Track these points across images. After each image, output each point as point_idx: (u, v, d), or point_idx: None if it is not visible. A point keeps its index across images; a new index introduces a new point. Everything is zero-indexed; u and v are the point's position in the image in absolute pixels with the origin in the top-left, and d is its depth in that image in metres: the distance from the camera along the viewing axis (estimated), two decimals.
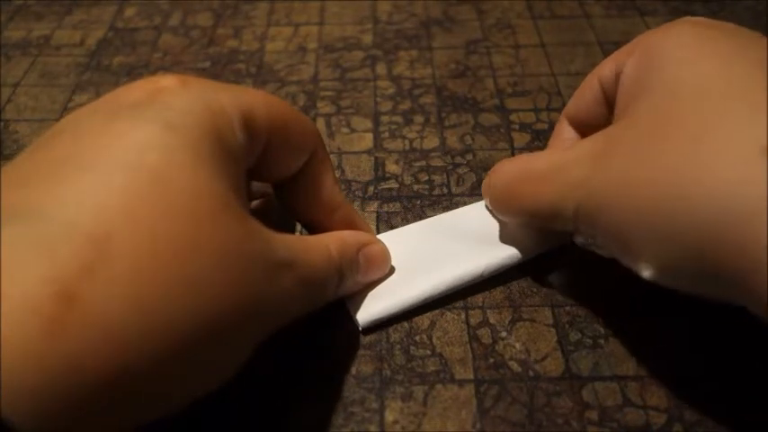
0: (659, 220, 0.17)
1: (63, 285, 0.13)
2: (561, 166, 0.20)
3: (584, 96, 0.24)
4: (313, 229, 0.24)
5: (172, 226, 0.15)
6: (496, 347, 0.22)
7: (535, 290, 0.24)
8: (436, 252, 0.25)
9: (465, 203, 0.27)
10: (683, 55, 0.19)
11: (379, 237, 0.25)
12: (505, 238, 0.25)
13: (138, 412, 0.15)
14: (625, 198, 0.18)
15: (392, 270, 0.24)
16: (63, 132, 0.17)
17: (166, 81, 0.18)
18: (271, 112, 0.19)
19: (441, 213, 0.26)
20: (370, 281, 0.23)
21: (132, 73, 0.36)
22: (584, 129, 0.25)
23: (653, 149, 0.17)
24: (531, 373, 0.21)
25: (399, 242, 0.25)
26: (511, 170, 0.22)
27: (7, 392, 0.12)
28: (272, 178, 0.22)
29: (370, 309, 0.23)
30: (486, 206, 0.26)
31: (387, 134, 0.31)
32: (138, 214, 0.15)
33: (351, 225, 0.23)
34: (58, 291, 0.13)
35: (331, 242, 0.21)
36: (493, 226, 0.25)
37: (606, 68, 0.22)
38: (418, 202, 0.28)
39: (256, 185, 0.24)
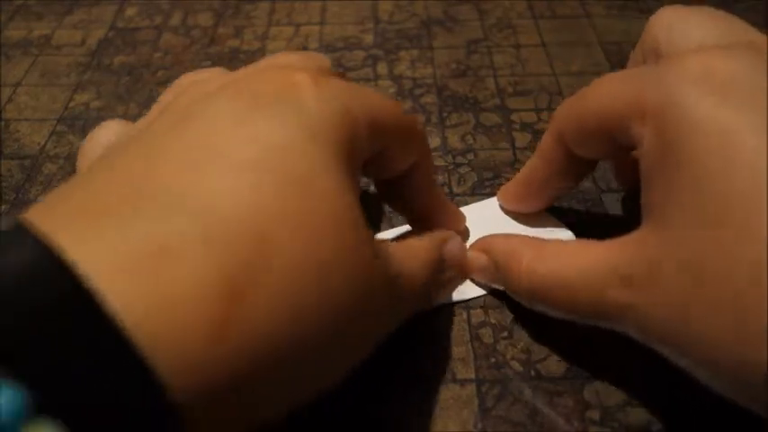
0: (720, 367, 0.16)
1: (231, 284, 0.13)
2: (594, 281, 0.18)
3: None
4: (411, 223, 0.25)
5: (321, 235, 0.15)
6: (498, 347, 0.22)
7: None
8: None
9: (466, 203, 0.27)
10: (706, 127, 0.16)
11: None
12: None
13: (272, 411, 0.15)
14: (678, 338, 0.16)
15: None
16: (192, 118, 0.16)
17: (299, 77, 0.17)
18: (392, 119, 0.19)
19: None
20: (465, 275, 0.23)
21: (133, 72, 0.36)
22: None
23: (701, 291, 0.15)
24: (532, 373, 0.21)
25: None
26: (535, 268, 0.20)
27: (178, 387, 0.12)
28: (378, 177, 0.22)
29: None
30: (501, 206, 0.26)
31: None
32: (291, 219, 0.14)
33: (445, 224, 0.24)
34: (227, 290, 0.13)
35: (421, 248, 0.21)
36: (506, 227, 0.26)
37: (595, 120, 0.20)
38: None
39: None
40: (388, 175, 0.22)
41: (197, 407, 0.12)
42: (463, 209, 0.26)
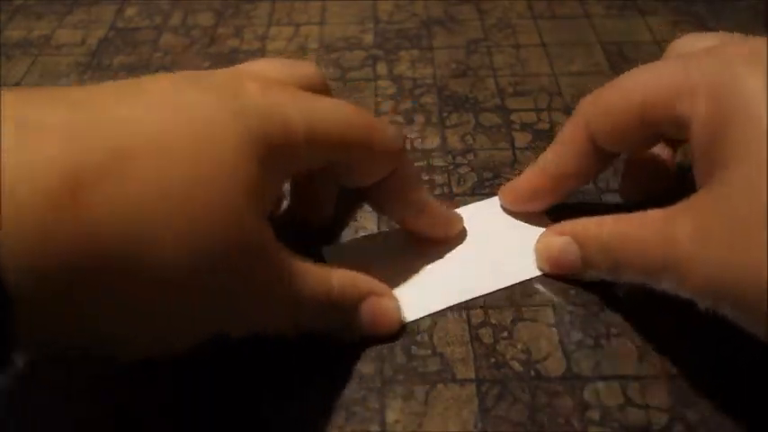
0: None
1: (76, 178, 0.14)
2: (664, 235, 0.19)
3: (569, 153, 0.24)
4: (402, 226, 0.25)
5: (199, 173, 0.16)
6: (498, 347, 0.22)
7: (536, 289, 0.24)
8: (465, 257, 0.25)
9: (466, 203, 0.27)
10: (759, 97, 0.18)
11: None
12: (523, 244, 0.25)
13: (96, 328, 0.15)
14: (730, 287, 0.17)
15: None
16: (141, 80, 0.18)
17: (250, 84, 0.18)
18: (351, 136, 0.20)
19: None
20: (374, 334, 0.22)
21: (133, 73, 0.36)
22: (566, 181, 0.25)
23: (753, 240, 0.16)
24: (532, 373, 0.21)
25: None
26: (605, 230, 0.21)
27: (6, 252, 0.13)
28: (354, 185, 0.22)
29: None
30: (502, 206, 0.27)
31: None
32: (167, 151, 0.15)
33: (434, 228, 0.24)
34: (70, 181, 0.14)
35: (338, 278, 0.21)
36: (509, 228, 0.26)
37: (627, 113, 0.21)
38: None
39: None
40: (357, 185, 0.22)
41: (24, 285, 0.13)
42: (461, 209, 0.27)
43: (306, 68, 0.22)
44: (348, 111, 0.21)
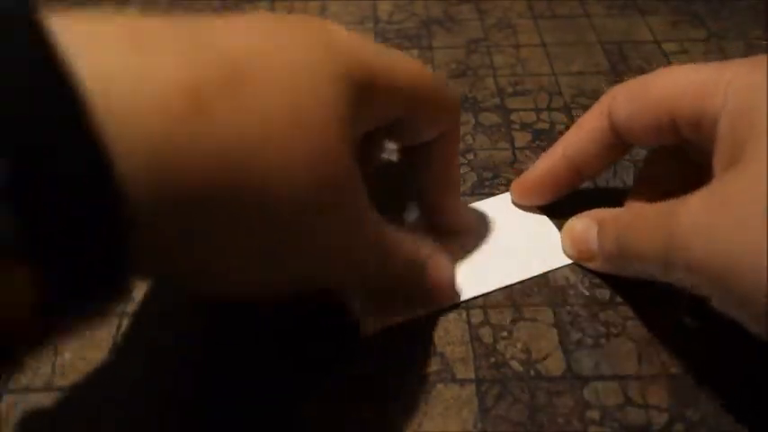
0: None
1: (199, 93, 0.14)
2: (666, 220, 0.19)
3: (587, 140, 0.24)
4: (425, 203, 0.25)
5: (303, 100, 0.16)
6: (498, 347, 0.22)
7: (536, 289, 0.24)
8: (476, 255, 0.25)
9: (466, 202, 0.27)
10: None
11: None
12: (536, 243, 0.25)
13: (206, 256, 0.15)
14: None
15: None
16: (233, 15, 0.18)
17: (337, 28, 0.18)
18: (420, 88, 0.20)
19: None
20: (431, 303, 0.23)
21: None
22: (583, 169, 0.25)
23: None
24: (532, 373, 0.21)
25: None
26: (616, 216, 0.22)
27: (129, 170, 0.12)
28: (403, 141, 0.23)
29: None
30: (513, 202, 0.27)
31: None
32: (276, 77, 0.16)
33: (453, 213, 0.25)
34: (194, 97, 0.14)
35: (413, 243, 0.21)
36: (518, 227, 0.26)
37: (652, 113, 0.22)
38: None
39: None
40: (413, 141, 0.23)
41: (139, 198, 0.13)
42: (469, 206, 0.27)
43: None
44: (418, 65, 0.21)
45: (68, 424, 0.20)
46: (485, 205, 0.27)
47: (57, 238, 0.12)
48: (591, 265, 0.24)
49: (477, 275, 0.24)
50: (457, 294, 0.23)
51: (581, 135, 0.25)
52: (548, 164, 0.26)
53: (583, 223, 0.24)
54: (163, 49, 0.14)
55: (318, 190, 0.16)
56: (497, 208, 0.27)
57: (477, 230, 0.26)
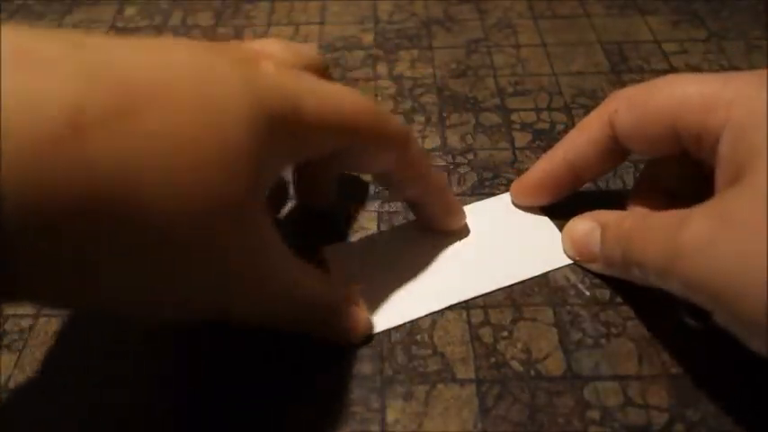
0: None
1: (80, 116, 0.13)
2: (670, 233, 0.19)
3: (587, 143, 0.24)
4: (415, 212, 0.26)
5: (204, 134, 0.15)
6: (498, 347, 0.22)
7: (536, 289, 0.24)
8: (461, 257, 0.25)
9: (466, 203, 0.27)
10: None
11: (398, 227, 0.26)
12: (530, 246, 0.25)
13: (85, 277, 0.15)
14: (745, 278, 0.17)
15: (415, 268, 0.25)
16: (155, 40, 0.17)
17: (265, 63, 0.18)
18: (356, 118, 0.20)
19: None
20: (345, 341, 0.22)
21: None
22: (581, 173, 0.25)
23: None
24: (532, 373, 0.21)
25: (419, 237, 0.26)
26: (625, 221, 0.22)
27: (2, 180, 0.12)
28: (356, 170, 0.23)
29: (388, 316, 0.23)
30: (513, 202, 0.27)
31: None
32: (177, 103, 0.15)
33: (440, 215, 0.25)
34: (73, 119, 0.13)
35: (324, 276, 0.21)
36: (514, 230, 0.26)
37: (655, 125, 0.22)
38: None
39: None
40: (365, 171, 0.23)
41: (14, 218, 0.13)
42: (467, 207, 0.27)
43: (309, 52, 0.22)
44: (356, 97, 0.21)
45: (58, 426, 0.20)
46: (485, 205, 0.27)
47: None
48: (592, 267, 0.24)
49: (477, 275, 0.24)
50: (371, 331, 0.23)
51: (582, 140, 0.24)
52: (548, 167, 0.25)
53: (585, 225, 0.24)
54: (53, 69, 0.14)
55: (215, 219, 0.16)
56: (497, 208, 0.27)
57: (477, 230, 0.26)
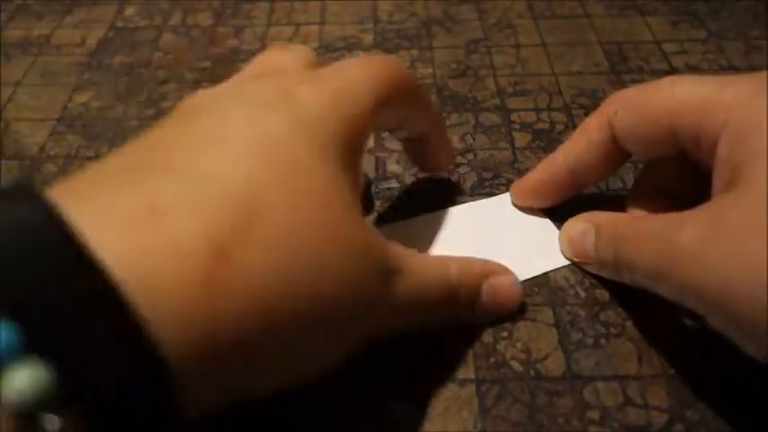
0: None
1: (218, 243, 0.14)
2: (665, 236, 0.19)
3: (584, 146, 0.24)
4: (411, 150, 0.26)
5: (311, 208, 0.16)
6: (498, 347, 0.22)
7: (536, 289, 0.24)
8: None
9: (466, 203, 0.27)
10: None
11: (397, 225, 0.26)
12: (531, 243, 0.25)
13: (254, 380, 0.16)
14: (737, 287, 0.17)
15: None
16: (199, 113, 0.18)
17: (297, 86, 0.19)
18: (396, 85, 0.21)
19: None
20: (497, 313, 0.23)
21: (133, 73, 0.36)
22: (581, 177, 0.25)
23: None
24: (532, 373, 0.21)
25: (426, 232, 0.26)
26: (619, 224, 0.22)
27: (168, 338, 0.13)
28: (385, 128, 0.24)
29: None
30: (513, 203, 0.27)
31: (387, 133, 0.31)
32: (281, 190, 0.16)
33: (439, 145, 0.26)
34: (214, 249, 0.14)
35: (454, 264, 0.21)
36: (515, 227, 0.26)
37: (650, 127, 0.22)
38: (419, 202, 0.27)
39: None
40: (399, 137, 0.25)
41: (183, 362, 0.13)
42: (464, 206, 0.27)
43: (305, 51, 0.23)
44: (377, 64, 0.21)
45: None
46: (485, 205, 0.27)
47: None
48: (588, 268, 0.24)
49: None
50: (520, 298, 0.23)
51: (582, 142, 0.24)
52: (547, 170, 0.25)
53: (580, 226, 0.24)
54: (170, 203, 0.14)
55: (358, 279, 0.17)
56: (497, 208, 0.27)
57: (477, 230, 0.26)
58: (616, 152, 0.24)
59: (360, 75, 0.20)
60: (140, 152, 0.16)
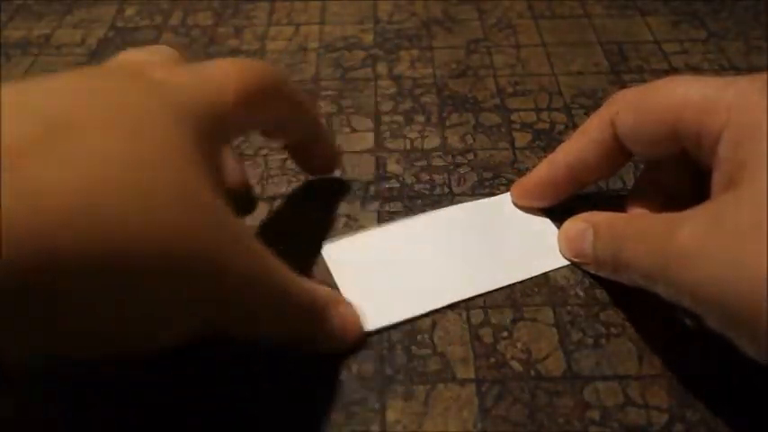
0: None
1: (7, 150, 0.13)
2: (664, 236, 0.19)
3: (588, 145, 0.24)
4: (296, 155, 0.26)
5: (140, 142, 0.15)
6: (498, 347, 0.22)
7: (536, 289, 0.24)
8: (464, 252, 0.25)
9: (466, 202, 0.27)
10: None
11: (396, 225, 0.26)
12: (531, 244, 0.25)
13: (59, 324, 0.14)
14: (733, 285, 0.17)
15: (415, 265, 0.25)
16: (56, 74, 0.17)
17: (158, 72, 0.18)
18: (259, 84, 0.20)
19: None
20: (339, 343, 0.22)
21: None
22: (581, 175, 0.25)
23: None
24: (532, 373, 0.21)
25: (421, 233, 0.26)
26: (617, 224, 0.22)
27: None
28: (255, 129, 0.23)
29: (386, 314, 0.23)
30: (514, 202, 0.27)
31: (388, 134, 0.31)
32: (105, 123, 0.15)
33: (323, 150, 0.26)
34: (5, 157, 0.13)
35: (307, 282, 0.20)
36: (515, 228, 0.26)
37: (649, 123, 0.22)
38: (419, 202, 0.27)
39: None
40: (282, 142, 0.24)
41: None
42: (464, 206, 0.27)
43: (167, 49, 0.21)
44: (242, 64, 0.21)
45: None
46: (485, 205, 0.27)
47: None
48: (587, 268, 0.24)
49: (477, 275, 0.24)
50: (363, 334, 0.22)
51: (583, 142, 0.24)
52: (548, 169, 0.25)
53: (578, 226, 0.24)
54: None
55: (181, 236, 0.15)
56: (497, 207, 0.27)
57: (478, 230, 0.26)
58: (617, 152, 0.24)
59: (219, 69, 0.20)
60: None
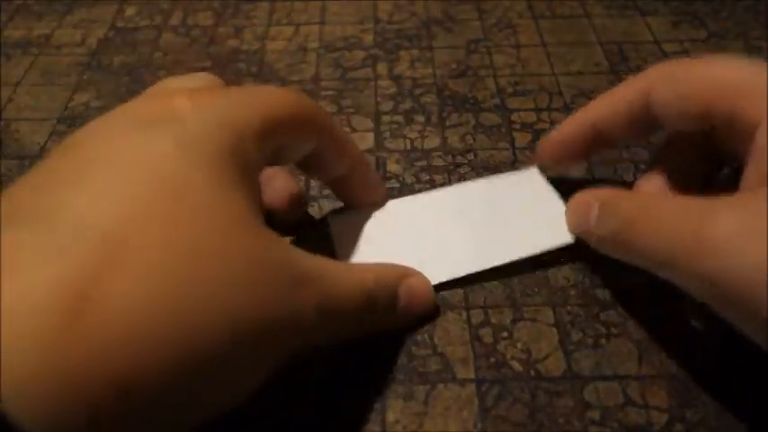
0: None
1: (75, 286, 0.13)
2: (692, 225, 0.18)
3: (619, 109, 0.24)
4: (338, 191, 0.25)
5: (186, 234, 0.15)
6: (498, 347, 0.22)
7: (536, 289, 0.24)
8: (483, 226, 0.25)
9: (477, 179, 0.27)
10: None
11: (412, 198, 0.26)
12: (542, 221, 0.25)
13: (149, 424, 0.14)
14: None
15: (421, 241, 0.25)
16: (78, 145, 0.17)
17: (178, 99, 0.18)
18: (288, 114, 0.20)
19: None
20: (413, 317, 0.22)
21: (133, 72, 0.36)
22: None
23: None
24: (532, 373, 0.21)
25: (439, 207, 0.26)
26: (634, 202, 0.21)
27: (15, 390, 0.12)
28: (287, 163, 0.22)
29: None
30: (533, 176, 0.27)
31: (388, 134, 0.31)
32: (152, 221, 0.15)
33: (365, 183, 0.25)
34: (70, 292, 0.13)
35: (368, 270, 0.21)
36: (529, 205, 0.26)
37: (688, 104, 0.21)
38: None
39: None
40: (293, 161, 0.23)
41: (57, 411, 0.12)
42: (475, 182, 0.27)
43: (206, 77, 0.22)
44: (273, 93, 0.21)
45: None
46: (494, 183, 0.27)
47: None
48: (589, 243, 0.23)
49: (480, 250, 0.24)
50: (434, 301, 0.23)
51: (611, 108, 0.24)
52: (574, 127, 0.25)
53: (585, 199, 0.23)
54: (26, 262, 0.13)
55: (267, 287, 0.16)
56: (508, 186, 0.27)
57: (484, 207, 0.26)
58: (645, 120, 0.23)
59: (245, 97, 0.20)
60: (14, 197, 0.16)
